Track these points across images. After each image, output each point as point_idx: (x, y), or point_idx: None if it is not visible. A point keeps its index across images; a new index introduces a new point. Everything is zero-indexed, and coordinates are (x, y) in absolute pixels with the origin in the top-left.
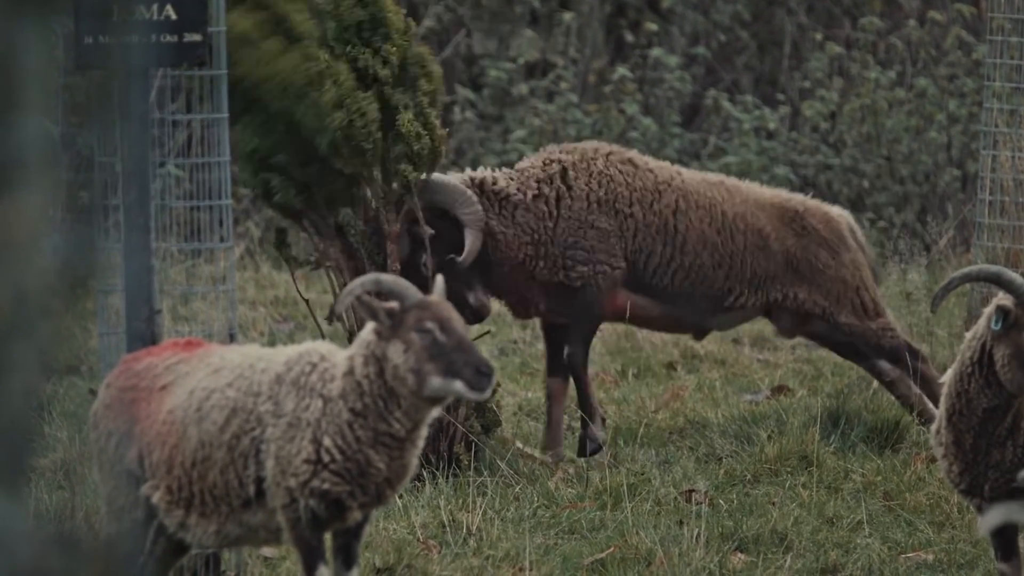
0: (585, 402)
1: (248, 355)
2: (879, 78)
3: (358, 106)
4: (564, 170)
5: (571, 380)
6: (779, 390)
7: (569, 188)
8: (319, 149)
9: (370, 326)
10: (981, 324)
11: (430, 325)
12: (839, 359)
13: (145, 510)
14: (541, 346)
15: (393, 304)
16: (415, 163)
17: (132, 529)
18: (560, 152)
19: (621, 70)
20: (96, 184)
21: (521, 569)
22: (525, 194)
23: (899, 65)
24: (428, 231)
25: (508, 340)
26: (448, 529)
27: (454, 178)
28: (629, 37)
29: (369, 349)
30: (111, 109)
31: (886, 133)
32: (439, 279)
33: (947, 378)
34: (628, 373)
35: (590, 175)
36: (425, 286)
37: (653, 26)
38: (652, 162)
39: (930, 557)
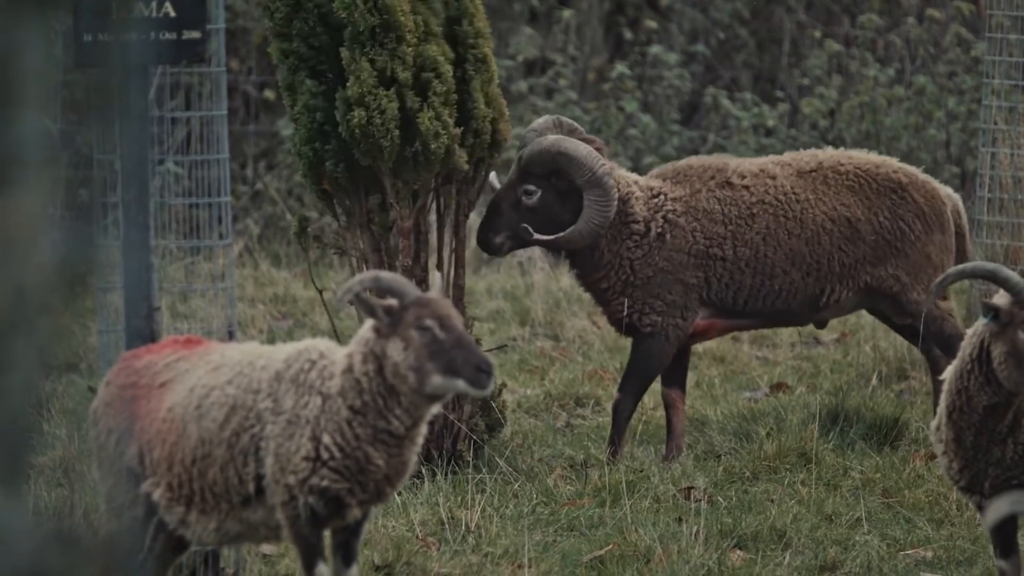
0: (616, 438)
1: (247, 352)
2: (878, 75)
3: (379, 103)
4: (678, 213)
5: (682, 390)
6: (778, 387)
7: (681, 234)
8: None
9: (369, 323)
10: (980, 321)
11: (430, 322)
12: (838, 356)
13: (145, 507)
14: (540, 343)
15: (392, 302)
16: (430, 162)
17: (132, 526)
18: (675, 183)
19: (620, 68)
20: (95, 181)
21: (520, 566)
22: (650, 230)
23: (898, 63)
24: (531, 191)
25: (508, 337)
26: (447, 526)
27: (614, 168)
28: (628, 34)
29: (368, 347)
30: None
31: (885, 131)
32: (436, 277)
33: (947, 375)
34: None
35: (697, 217)
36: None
37: (652, 23)
38: (747, 170)
39: (929, 554)
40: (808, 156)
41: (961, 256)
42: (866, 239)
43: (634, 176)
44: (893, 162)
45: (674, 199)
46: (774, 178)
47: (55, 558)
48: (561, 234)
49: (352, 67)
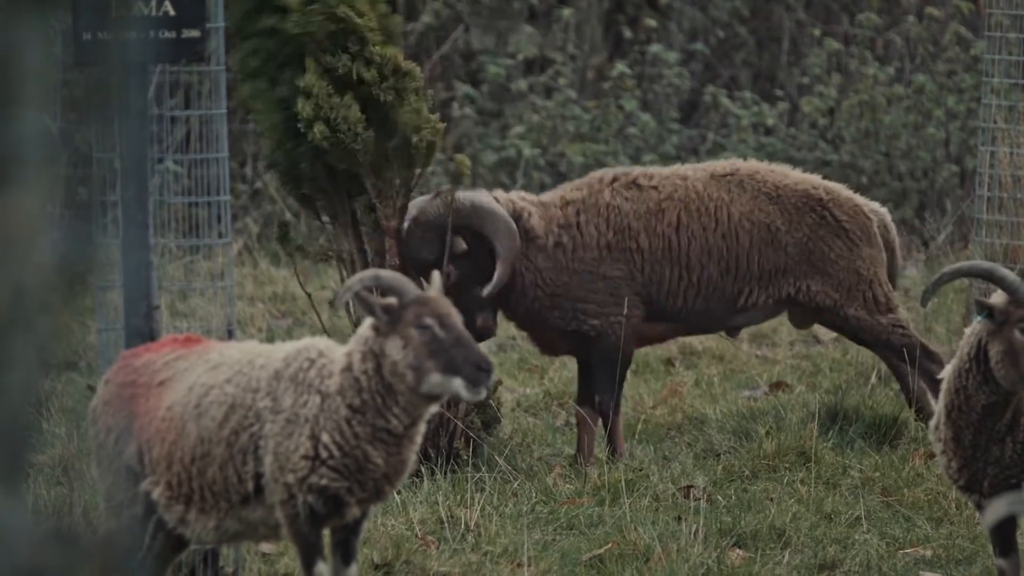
0: (612, 436)
1: (247, 351)
2: (877, 74)
3: (336, 112)
4: (577, 212)
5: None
6: (777, 386)
7: (581, 235)
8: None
9: (368, 322)
10: (977, 320)
11: (429, 321)
12: (837, 355)
13: (144, 506)
14: None
15: (391, 300)
16: (412, 157)
17: (131, 525)
18: (572, 190)
19: (620, 66)
20: (94, 180)
21: (519, 565)
22: (548, 239)
23: (897, 61)
24: (461, 246)
25: (507, 336)
26: (446, 525)
27: (498, 196)
28: (627, 33)
29: (367, 345)
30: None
31: (884, 129)
32: (435, 275)
33: (946, 374)
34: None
35: (599, 213)
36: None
37: (652, 22)
38: (657, 175)
39: (928, 553)
40: (726, 163)
41: (890, 272)
42: (788, 250)
43: (522, 193)
44: (814, 179)
45: (569, 202)
46: (685, 179)
47: (54, 557)
48: (495, 277)
49: (303, 84)
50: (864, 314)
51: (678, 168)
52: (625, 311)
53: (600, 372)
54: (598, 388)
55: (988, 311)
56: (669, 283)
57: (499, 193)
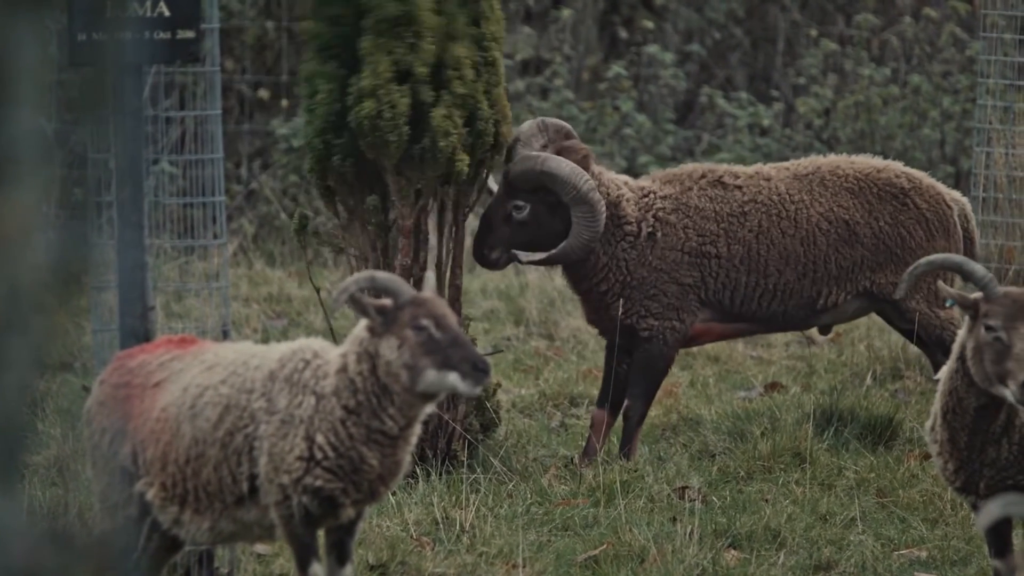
0: (629, 442)
1: (241, 352)
2: (873, 75)
3: (390, 98)
4: (666, 209)
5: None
6: (772, 387)
7: (665, 235)
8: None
9: (363, 323)
10: (967, 321)
11: (425, 322)
12: (832, 356)
13: (139, 507)
14: (535, 343)
15: (386, 301)
16: (437, 162)
17: (126, 526)
18: (662, 182)
19: (616, 67)
20: (89, 181)
21: (514, 566)
22: (640, 228)
23: (893, 62)
24: (521, 206)
25: (502, 337)
26: (441, 526)
27: (603, 177)
28: (623, 34)
29: (362, 346)
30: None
31: (880, 130)
32: (428, 276)
33: (942, 375)
34: None
35: (687, 214)
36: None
37: (647, 23)
38: (743, 174)
39: (923, 554)
40: (807, 161)
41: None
42: (865, 243)
43: (624, 177)
44: (897, 166)
45: (663, 197)
46: (768, 179)
47: (49, 557)
48: (551, 252)
49: (370, 58)
50: (925, 307)
51: (761, 168)
52: (686, 319)
53: (638, 377)
54: (631, 392)
55: (963, 306)
56: (745, 289)
57: (606, 172)
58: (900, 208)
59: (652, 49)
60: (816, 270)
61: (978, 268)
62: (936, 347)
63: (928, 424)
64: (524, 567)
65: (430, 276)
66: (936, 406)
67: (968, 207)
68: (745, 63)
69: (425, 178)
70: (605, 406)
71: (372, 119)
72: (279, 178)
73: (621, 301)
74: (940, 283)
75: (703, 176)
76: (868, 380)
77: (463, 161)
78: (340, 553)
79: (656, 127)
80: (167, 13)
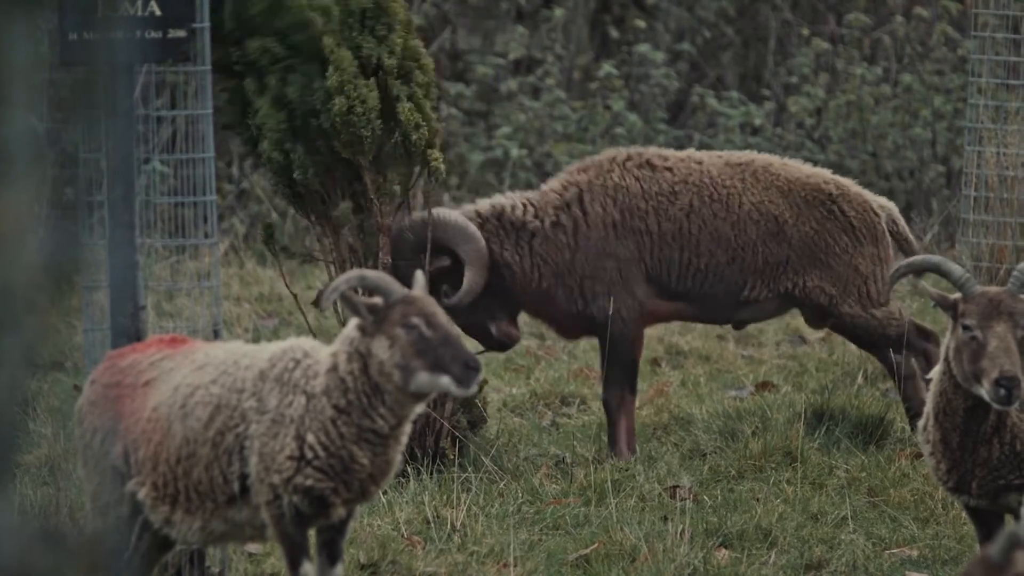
0: (612, 438)
1: (232, 351)
2: (865, 74)
3: (359, 93)
4: (580, 192)
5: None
6: (763, 386)
7: (585, 214)
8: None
9: (353, 322)
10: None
11: (416, 320)
12: (824, 355)
13: (130, 506)
14: (525, 342)
15: (377, 300)
16: (411, 155)
17: (117, 525)
18: (577, 171)
19: (607, 67)
20: (81, 180)
21: (505, 565)
22: (543, 222)
23: (885, 61)
24: (443, 262)
25: None
26: (432, 525)
27: (467, 209)
28: (614, 33)
29: (353, 345)
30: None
31: (871, 129)
32: (418, 275)
33: (934, 374)
34: None
35: (606, 193)
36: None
37: (638, 22)
38: (673, 157)
39: (914, 553)
40: (741, 153)
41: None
42: (792, 243)
43: (507, 193)
44: (825, 173)
45: (568, 184)
46: (700, 163)
47: (41, 557)
48: (464, 286)
49: (333, 56)
50: (859, 310)
51: (692, 152)
52: (636, 291)
53: (610, 365)
54: (606, 383)
55: (943, 306)
56: (679, 266)
57: (474, 204)
58: (827, 215)
59: (643, 48)
60: (745, 257)
61: (955, 268)
62: (883, 346)
63: (920, 424)
64: (515, 566)
65: (420, 274)
66: (928, 406)
67: (895, 212)
68: (736, 62)
69: (401, 174)
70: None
71: (344, 115)
72: (270, 178)
73: (561, 291)
74: (922, 283)
75: (628, 159)
76: (859, 379)
77: (436, 158)
78: (331, 552)
79: (647, 126)
80: (158, 12)
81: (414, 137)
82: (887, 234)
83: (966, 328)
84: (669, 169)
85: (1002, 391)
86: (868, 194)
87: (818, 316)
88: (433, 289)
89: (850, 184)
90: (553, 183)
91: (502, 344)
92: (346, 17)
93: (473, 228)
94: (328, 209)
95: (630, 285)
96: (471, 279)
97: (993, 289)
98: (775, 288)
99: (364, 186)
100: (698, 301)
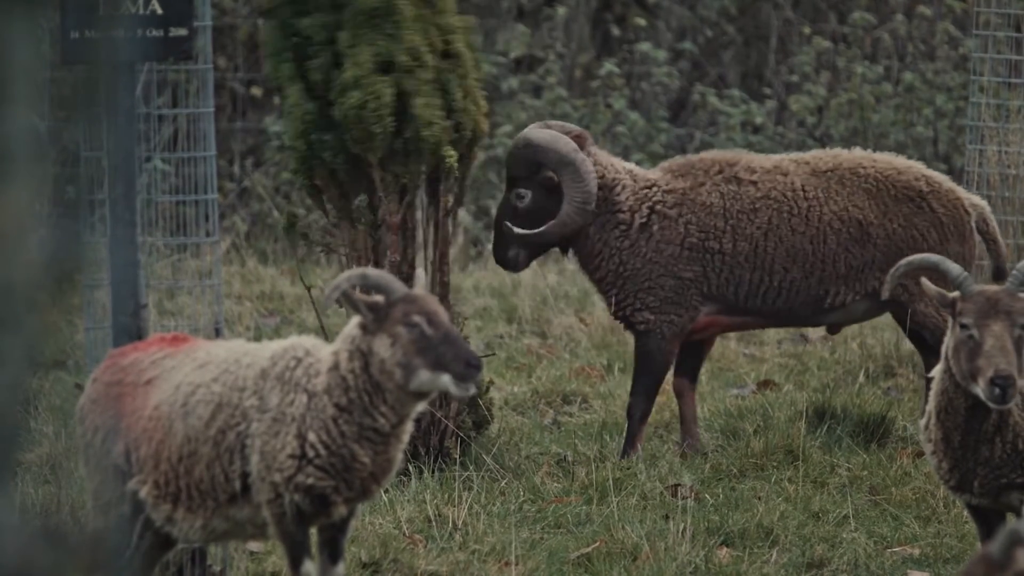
0: (629, 442)
1: (234, 350)
2: (866, 72)
3: (374, 89)
4: (674, 200)
5: (694, 379)
6: (765, 384)
7: (668, 227)
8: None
9: (355, 320)
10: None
11: (417, 319)
12: (825, 354)
13: (132, 505)
14: (527, 340)
15: (378, 298)
16: (421, 153)
17: (119, 524)
18: (676, 175)
19: (608, 65)
20: (82, 179)
21: (507, 564)
22: (633, 218)
23: (886, 59)
24: (522, 195)
25: (494, 335)
26: (434, 524)
27: (599, 158)
28: (616, 31)
29: (354, 344)
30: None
31: (873, 127)
32: (419, 273)
33: (935, 373)
34: (614, 367)
35: (693, 210)
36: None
37: (640, 21)
38: (760, 167)
39: (916, 552)
40: (828, 156)
41: (996, 264)
42: (877, 243)
43: (629, 165)
44: (918, 168)
45: (668, 191)
46: (786, 175)
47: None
48: (545, 226)
49: (351, 51)
50: (933, 310)
51: (781, 161)
52: (684, 314)
53: (638, 372)
54: (632, 391)
55: (940, 304)
56: (749, 286)
57: (610, 158)
58: (915, 211)
59: (645, 47)
60: (824, 268)
61: (953, 267)
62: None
63: (922, 423)
64: (517, 565)
65: (421, 273)
66: (930, 405)
67: (987, 211)
68: (738, 61)
69: (410, 172)
70: (683, 376)
71: (357, 110)
72: (271, 176)
73: (614, 291)
74: (924, 280)
75: (719, 171)
76: (861, 378)
77: (452, 156)
78: (332, 551)
79: (649, 125)
80: (160, 11)
81: (425, 133)
82: (975, 233)
83: (963, 327)
84: (754, 183)
85: (997, 390)
86: (961, 191)
87: (899, 315)
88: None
89: (943, 180)
90: (657, 175)
91: (507, 264)
92: (356, 15)
93: (593, 205)
94: (346, 202)
95: (682, 307)
96: (552, 231)
97: (991, 288)
98: (861, 290)
99: (373, 183)
100: (770, 316)
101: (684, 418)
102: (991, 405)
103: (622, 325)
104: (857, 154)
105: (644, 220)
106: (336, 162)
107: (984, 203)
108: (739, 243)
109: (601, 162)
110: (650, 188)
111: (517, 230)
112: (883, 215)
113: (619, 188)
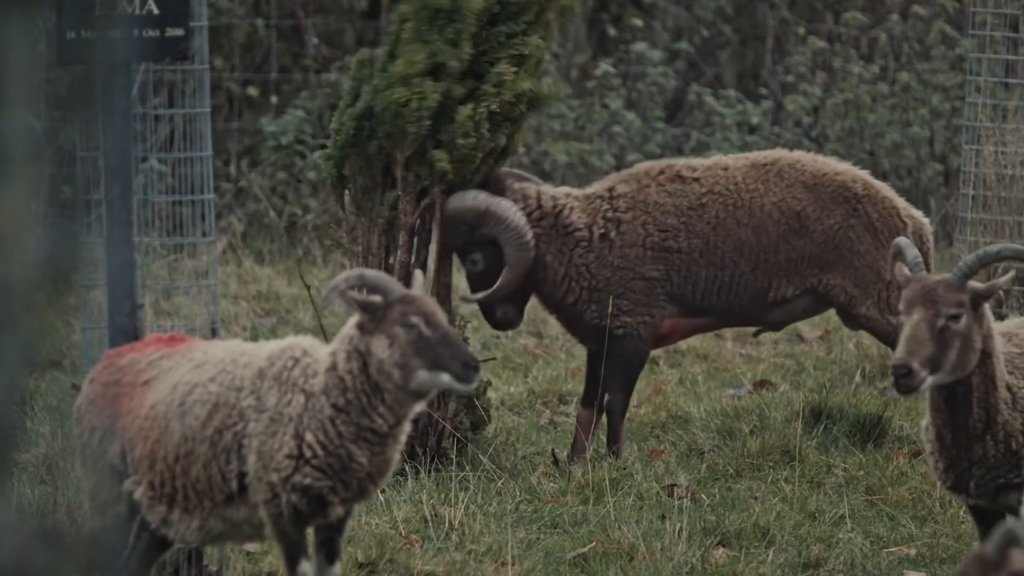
0: (615, 437)
1: (231, 350)
2: (862, 72)
3: (421, 89)
4: (624, 206)
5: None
6: (761, 384)
7: (626, 232)
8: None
9: (353, 321)
10: None
11: (415, 319)
12: (821, 353)
13: (128, 505)
14: (523, 340)
15: (376, 299)
16: (452, 156)
17: (115, 524)
18: (621, 182)
19: (604, 65)
20: (79, 179)
21: (503, 564)
22: (591, 232)
23: (882, 59)
24: (475, 260)
25: (491, 335)
26: (430, 524)
27: (532, 192)
28: (612, 32)
29: (352, 344)
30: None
31: (869, 127)
32: (417, 273)
33: None
34: None
35: (646, 210)
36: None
37: (636, 21)
38: (700, 165)
39: (912, 552)
40: (767, 152)
41: None
42: (814, 237)
43: (563, 189)
44: (856, 172)
45: (616, 197)
46: (726, 169)
47: (39, 555)
48: (500, 279)
49: (407, 47)
50: (875, 313)
51: (719, 158)
52: (656, 313)
53: (616, 371)
54: (611, 386)
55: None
56: (704, 283)
57: (544, 188)
58: (851, 212)
59: (641, 47)
60: (767, 259)
61: (910, 251)
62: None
63: (923, 423)
64: (513, 565)
65: (419, 274)
66: (928, 404)
67: (927, 229)
68: (734, 61)
69: (433, 176)
70: (592, 405)
71: (399, 107)
72: (268, 176)
73: (592, 306)
74: (899, 266)
75: (661, 172)
76: (857, 378)
77: (442, 159)
78: (329, 551)
79: (645, 125)
80: (156, 11)
81: (461, 143)
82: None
83: (899, 312)
84: (697, 180)
85: (894, 379)
86: (900, 201)
87: (844, 317)
88: (463, 256)
89: (882, 187)
90: (599, 189)
91: (501, 326)
92: (420, 11)
93: (529, 236)
94: (373, 197)
95: (653, 306)
96: (507, 280)
97: (933, 276)
98: (800, 285)
99: (395, 181)
100: (722, 313)
101: (577, 449)
102: (898, 394)
103: (586, 338)
104: (796, 153)
105: (602, 231)
106: (381, 149)
107: (925, 220)
108: (692, 240)
109: (530, 194)
110: (599, 200)
111: (475, 296)
112: (821, 210)
113: (566, 211)
